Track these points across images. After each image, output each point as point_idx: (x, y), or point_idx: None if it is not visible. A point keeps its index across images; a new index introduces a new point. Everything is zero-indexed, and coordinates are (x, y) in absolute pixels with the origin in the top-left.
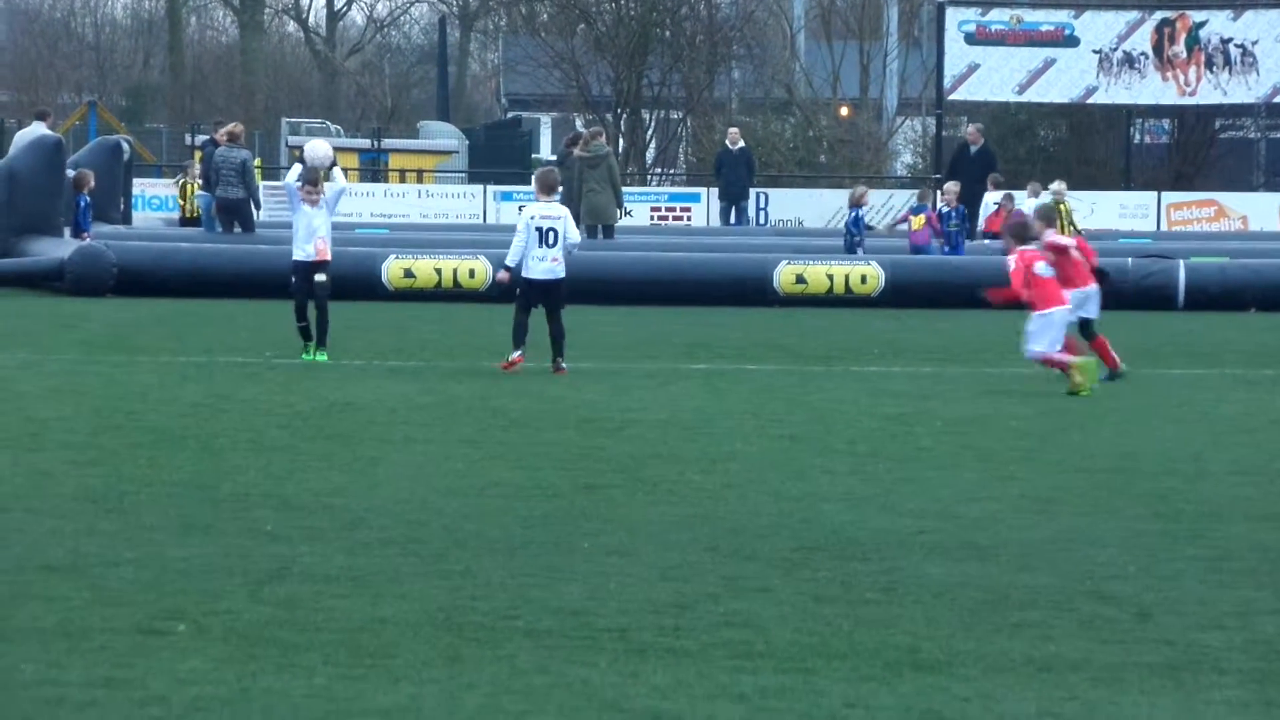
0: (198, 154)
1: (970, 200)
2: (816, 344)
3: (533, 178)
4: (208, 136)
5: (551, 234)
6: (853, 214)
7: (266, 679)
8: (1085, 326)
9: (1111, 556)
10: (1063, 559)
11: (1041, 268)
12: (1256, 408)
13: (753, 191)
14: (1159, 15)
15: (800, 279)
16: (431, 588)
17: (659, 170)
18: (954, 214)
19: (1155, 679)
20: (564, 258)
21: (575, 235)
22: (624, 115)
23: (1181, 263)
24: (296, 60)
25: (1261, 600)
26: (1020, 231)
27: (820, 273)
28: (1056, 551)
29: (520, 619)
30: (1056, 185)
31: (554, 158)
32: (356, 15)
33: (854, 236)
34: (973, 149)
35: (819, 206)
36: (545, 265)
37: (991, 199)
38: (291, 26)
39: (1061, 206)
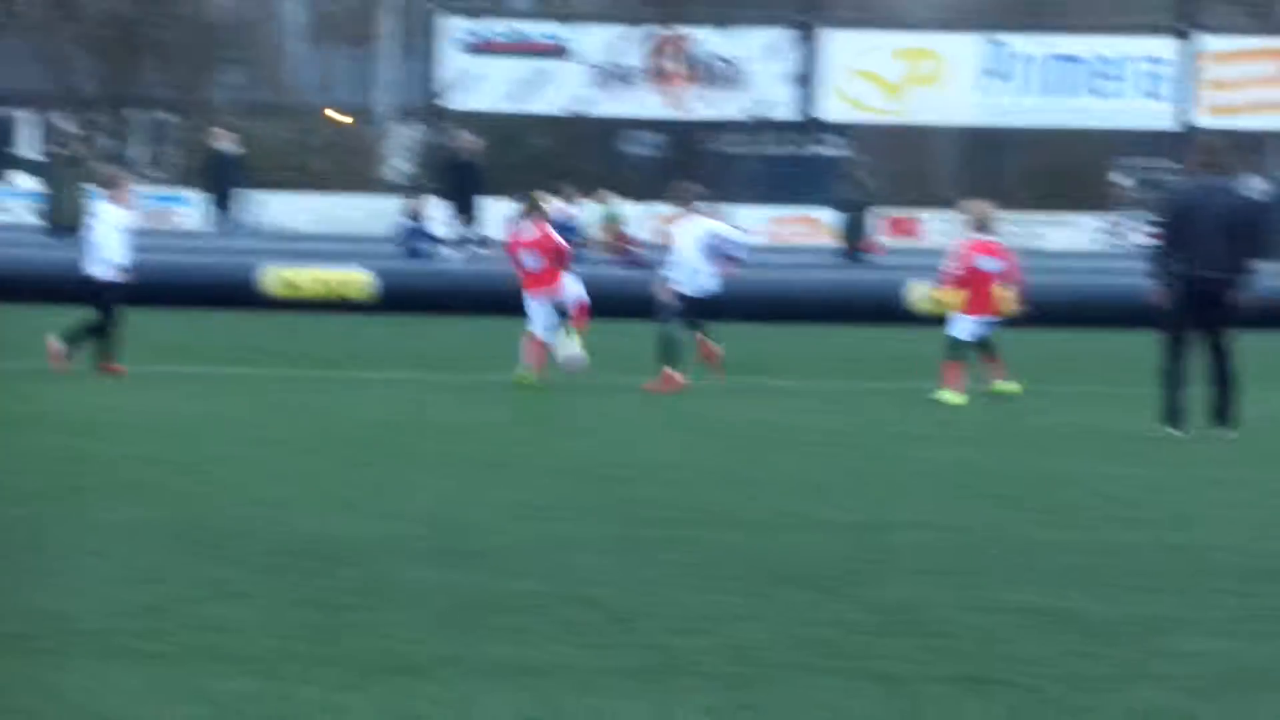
0: None
1: (469, 209)
2: (307, 349)
3: None
4: None
5: None
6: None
7: None
8: None
9: (592, 561)
10: (544, 564)
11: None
12: (734, 415)
13: (243, 194)
14: (651, 30)
15: (290, 284)
16: None
17: (148, 171)
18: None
19: (632, 682)
20: None
21: None
22: (113, 114)
23: None
24: None
25: (736, 605)
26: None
27: (311, 277)
28: (538, 556)
29: None
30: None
31: (41, 157)
32: None
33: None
34: (465, 157)
35: (312, 211)
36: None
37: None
38: None
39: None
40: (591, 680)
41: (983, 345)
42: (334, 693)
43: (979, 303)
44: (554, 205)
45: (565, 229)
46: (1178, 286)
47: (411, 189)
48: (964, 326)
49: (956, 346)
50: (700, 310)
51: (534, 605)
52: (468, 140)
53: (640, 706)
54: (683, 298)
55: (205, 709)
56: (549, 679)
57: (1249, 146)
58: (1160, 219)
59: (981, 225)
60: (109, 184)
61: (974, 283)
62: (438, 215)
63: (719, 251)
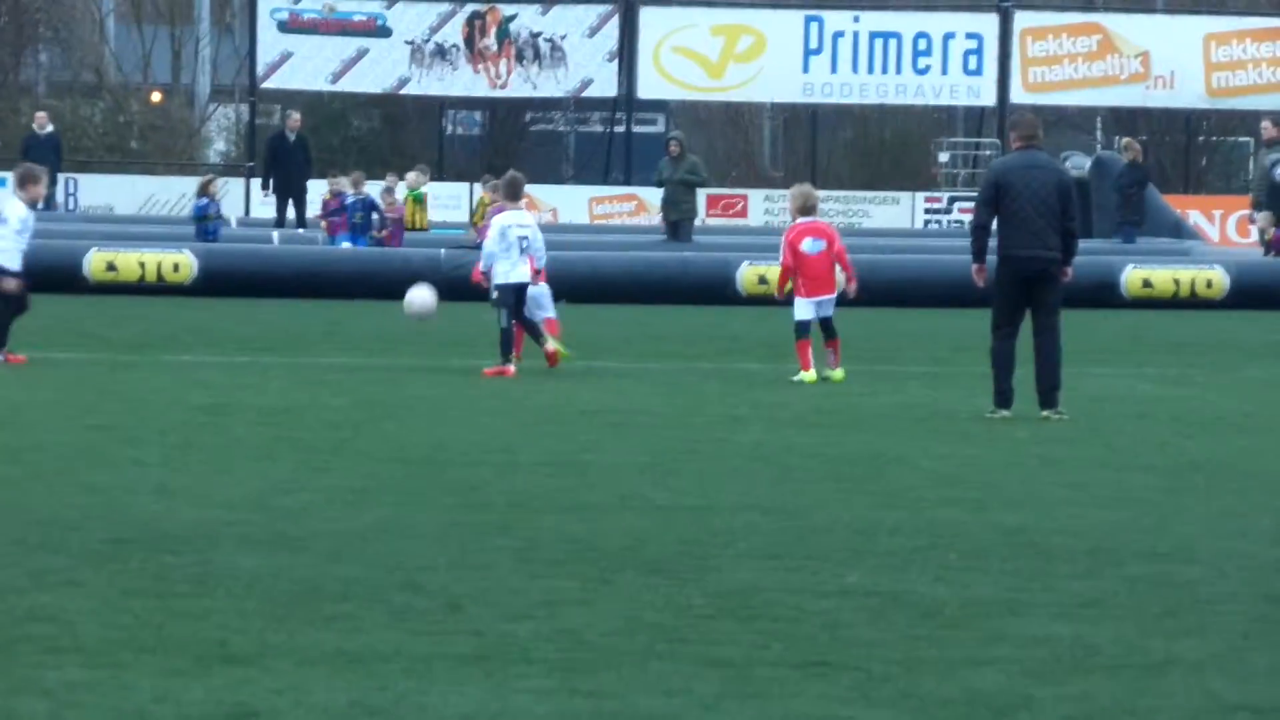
0: None
1: (294, 191)
2: (127, 332)
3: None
4: None
5: None
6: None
7: None
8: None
9: (423, 547)
10: (374, 550)
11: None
12: (564, 399)
13: (61, 177)
14: (470, 8)
15: (111, 266)
16: None
17: None
18: (359, 204)
19: (464, 668)
20: None
21: None
22: None
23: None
24: None
25: (568, 590)
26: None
27: (133, 260)
28: (368, 543)
29: None
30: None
31: None
32: None
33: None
34: (291, 136)
35: (130, 193)
36: None
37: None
38: None
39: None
40: (423, 667)
41: (825, 327)
42: (169, 681)
43: (812, 285)
44: (339, 185)
45: (366, 207)
46: (1004, 265)
47: (205, 167)
48: (802, 309)
49: (800, 328)
50: (517, 299)
51: (364, 592)
52: (294, 121)
53: (472, 691)
54: (499, 286)
55: (41, 701)
56: (380, 666)
57: (1078, 124)
58: (982, 196)
59: (805, 209)
60: (23, 179)
61: (803, 266)
62: (254, 195)
63: (528, 248)
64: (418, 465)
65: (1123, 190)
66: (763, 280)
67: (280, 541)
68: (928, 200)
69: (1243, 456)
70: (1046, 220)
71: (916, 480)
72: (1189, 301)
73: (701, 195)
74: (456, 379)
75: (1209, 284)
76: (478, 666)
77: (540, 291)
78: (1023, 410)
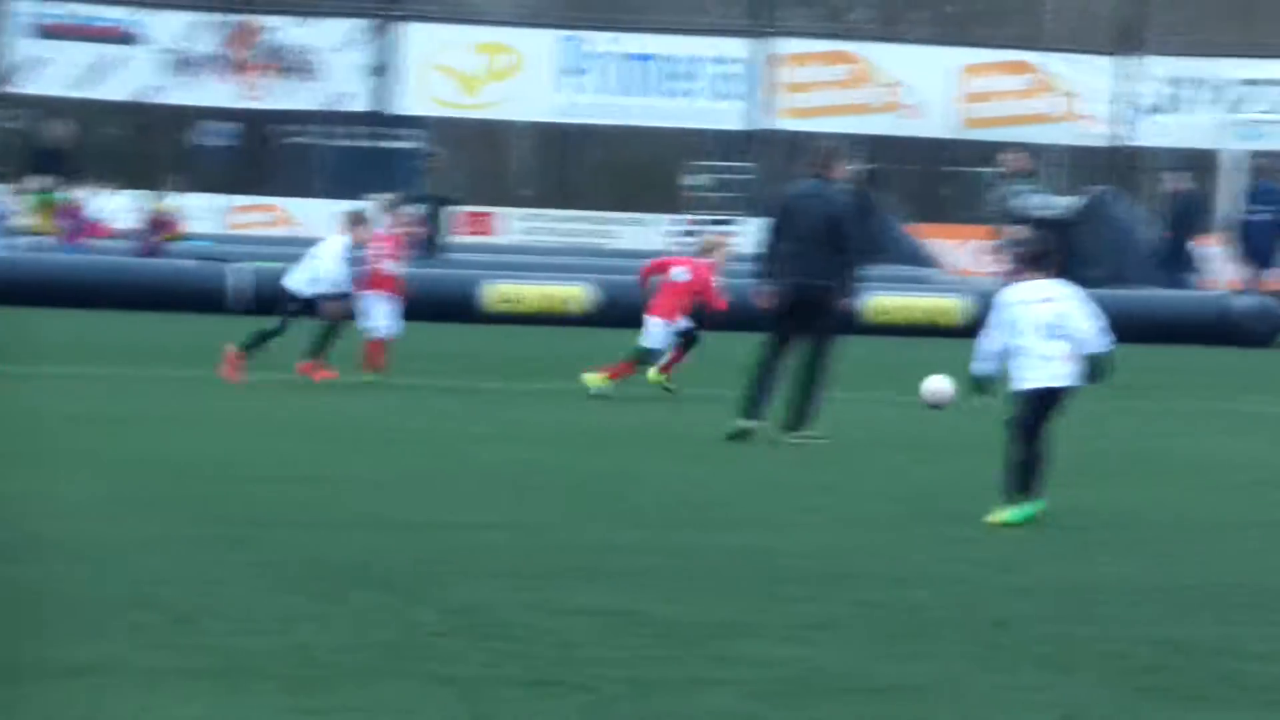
0: None
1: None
2: None
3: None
4: None
5: None
6: None
7: None
8: None
9: (156, 561)
10: (107, 561)
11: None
12: (308, 413)
13: None
14: (226, 18)
15: None
16: None
17: None
18: None
19: (194, 683)
20: None
21: None
22: None
23: (230, 266)
24: None
25: (303, 606)
26: None
27: None
28: (101, 553)
29: None
30: None
31: None
32: None
33: None
34: (53, 146)
35: None
36: None
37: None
38: None
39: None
40: (147, 680)
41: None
42: None
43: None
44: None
45: None
46: (781, 291)
47: None
48: (657, 334)
49: (645, 353)
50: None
51: (93, 604)
52: (59, 129)
53: (199, 708)
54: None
55: None
56: (107, 679)
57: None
58: (769, 222)
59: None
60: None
61: (663, 287)
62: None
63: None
64: (156, 478)
65: None
66: (506, 299)
67: (7, 550)
68: (673, 223)
69: (964, 479)
70: (815, 249)
71: (654, 500)
72: (927, 329)
73: (454, 211)
74: (198, 390)
75: (945, 312)
76: (208, 681)
77: (373, 304)
78: (771, 433)
